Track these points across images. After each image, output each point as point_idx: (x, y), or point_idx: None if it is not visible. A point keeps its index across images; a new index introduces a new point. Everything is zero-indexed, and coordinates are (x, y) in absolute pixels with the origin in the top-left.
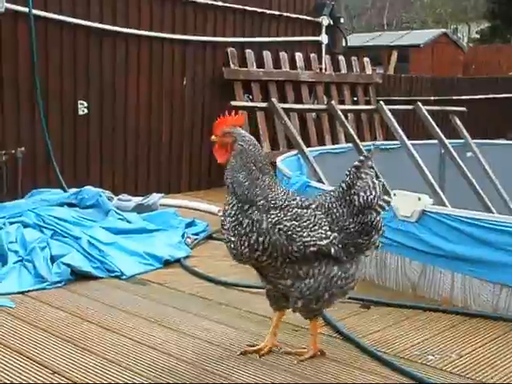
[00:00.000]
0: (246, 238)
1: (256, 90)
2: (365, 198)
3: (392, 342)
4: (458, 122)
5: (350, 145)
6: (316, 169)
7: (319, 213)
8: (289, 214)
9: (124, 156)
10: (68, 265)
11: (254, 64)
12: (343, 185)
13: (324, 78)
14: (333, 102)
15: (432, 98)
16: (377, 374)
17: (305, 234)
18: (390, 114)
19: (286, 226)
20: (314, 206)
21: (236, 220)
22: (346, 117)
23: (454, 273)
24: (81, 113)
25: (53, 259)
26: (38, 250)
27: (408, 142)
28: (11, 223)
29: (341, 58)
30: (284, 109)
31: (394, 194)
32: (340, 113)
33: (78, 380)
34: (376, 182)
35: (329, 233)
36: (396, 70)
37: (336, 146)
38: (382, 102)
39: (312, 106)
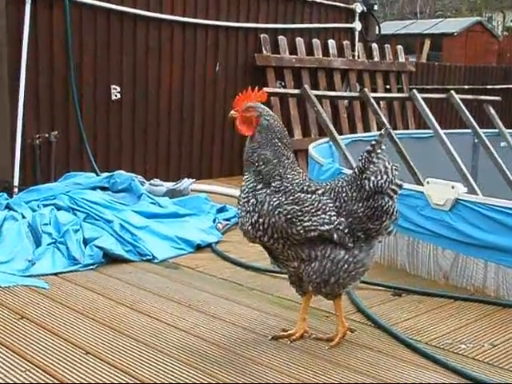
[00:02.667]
0: (250, 216)
1: (288, 77)
2: (375, 182)
3: (423, 330)
4: (492, 111)
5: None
6: (348, 156)
7: (325, 198)
8: (290, 198)
9: (156, 141)
10: (100, 248)
11: (287, 50)
12: (355, 169)
13: (357, 65)
14: (365, 89)
15: (465, 86)
16: (408, 361)
17: (305, 219)
18: (422, 103)
19: (285, 209)
20: (320, 191)
21: (246, 197)
22: (379, 105)
23: (487, 262)
24: (114, 98)
25: (85, 242)
26: (71, 233)
27: (441, 131)
28: (45, 206)
29: (374, 45)
30: (316, 96)
31: (428, 182)
32: (373, 100)
33: (111, 361)
34: (388, 166)
35: (333, 218)
36: (428, 58)
37: (368, 134)
38: (415, 91)
39: (344, 94)
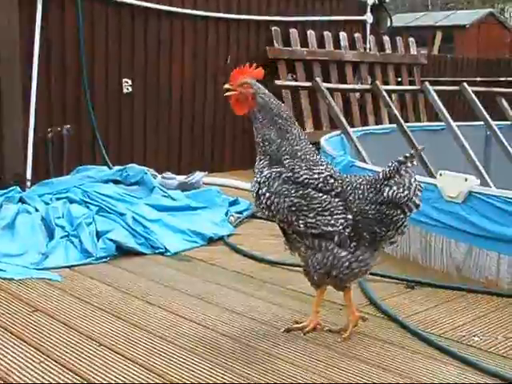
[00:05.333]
0: (259, 186)
1: (300, 70)
2: (395, 193)
3: (436, 322)
4: (505, 103)
5: (394, 125)
6: (359, 148)
7: (337, 200)
8: (300, 191)
9: (167, 134)
10: (113, 240)
11: (298, 43)
12: (381, 174)
13: (368, 58)
14: (377, 82)
15: (478, 79)
16: (420, 354)
17: (310, 215)
18: (435, 95)
19: (291, 201)
20: (334, 192)
21: (260, 171)
22: (390, 97)
23: (500, 254)
24: (125, 91)
25: (98, 235)
26: (84, 226)
27: (453, 124)
28: (58, 199)
29: (385, 37)
30: (328, 89)
31: (440, 175)
32: (385, 93)
33: (124, 353)
34: (413, 183)
35: (340, 221)
36: (440, 50)
37: (379, 127)
38: (427, 83)
39: (356, 86)
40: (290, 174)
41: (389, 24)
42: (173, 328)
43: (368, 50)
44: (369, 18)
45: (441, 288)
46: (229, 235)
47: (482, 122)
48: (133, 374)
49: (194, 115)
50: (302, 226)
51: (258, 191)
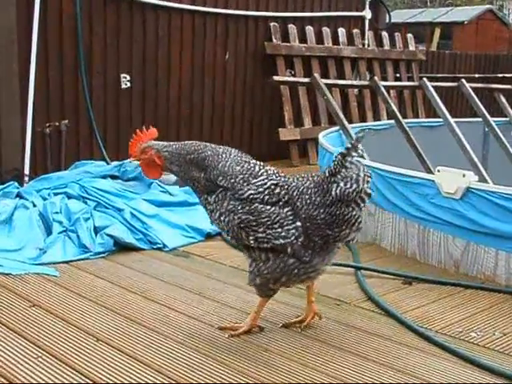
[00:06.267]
0: (211, 214)
1: (298, 66)
2: (343, 190)
3: (434, 318)
4: (503, 99)
5: (392, 121)
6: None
7: (286, 209)
8: (246, 207)
9: (166, 130)
10: (111, 236)
11: (297, 39)
12: (326, 171)
13: (367, 53)
14: (376, 77)
15: (476, 75)
16: (418, 349)
17: (260, 230)
18: (433, 91)
19: (240, 218)
20: (282, 202)
21: (208, 202)
22: (389, 93)
23: (498, 250)
24: (124, 86)
25: (96, 230)
26: (81, 221)
27: (451, 120)
28: (56, 194)
29: (384, 33)
30: (326, 84)
31: (438, 171)
32: (383, 89)
33: (122, 348)
34: (361, 174)
35: (292, 231)
36: (439, 47)
37: (378, 123)
38: (425, 79)
39: (354, 82)
40: (232, 191)
41: (387, 20)
42: (171, 323)
43: (366, 46)
44: (367, 13)
45: (438, 284)
46: None
47: (480, 119)
48: (130, 368)
49: (192, 110)
50: (252, 241)
51: (212, 220)
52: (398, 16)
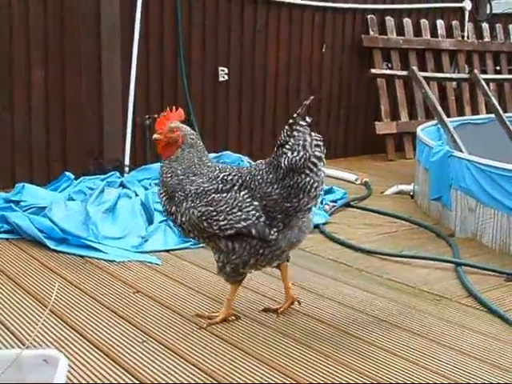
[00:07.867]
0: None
1: (395, 58)
2: (290, 159)
3: None
4: None
5: (492, 115)
6: (456, 139)
7: (242, 193)
8: (204, 200)
9: (262, 123)
10: None
11: (394, 31)
12: (276, 145)
13: (466, 46)
14: (475, 70)
15: None
16: None
17: (221, 218)
18: None
19: (200, 211)
20: (236, 187)
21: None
22: (488, 87)
23: None
24: (221, 79)
25: None
26: None
27: None
28: (156, 184)
29: (484, 25)
30: (424, 77)
31: None
32: (483, 82)
33: (222, 335)
34: (308, 139)
35: (252, 212)
36: None
37: (477, 117)
38: None
39: (453, 75)
40: (187, 191)
41: (488, 11)
42: (271, 315)
43: (466, 38)
44: (467, 4)
45: None
46: (324, 223)
47: None
48: (235, 358)
49: (288, 103)
50: (217, 231)
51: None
52: (500, 6)
